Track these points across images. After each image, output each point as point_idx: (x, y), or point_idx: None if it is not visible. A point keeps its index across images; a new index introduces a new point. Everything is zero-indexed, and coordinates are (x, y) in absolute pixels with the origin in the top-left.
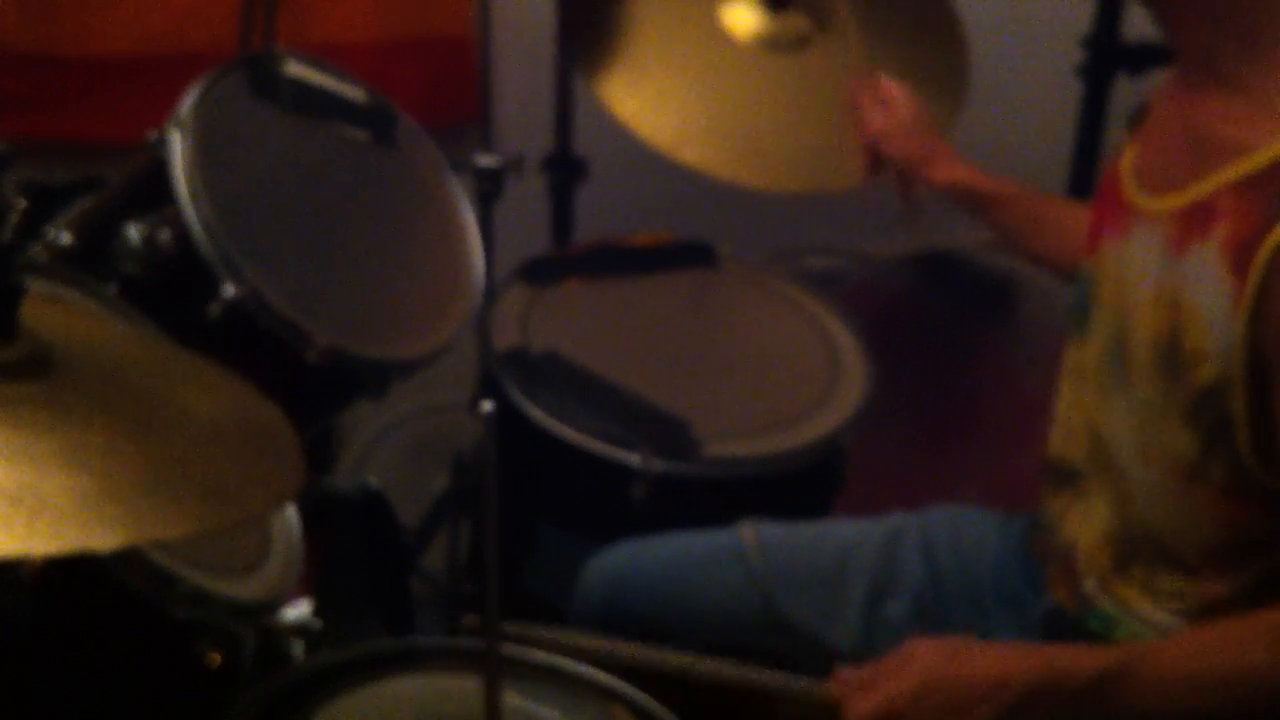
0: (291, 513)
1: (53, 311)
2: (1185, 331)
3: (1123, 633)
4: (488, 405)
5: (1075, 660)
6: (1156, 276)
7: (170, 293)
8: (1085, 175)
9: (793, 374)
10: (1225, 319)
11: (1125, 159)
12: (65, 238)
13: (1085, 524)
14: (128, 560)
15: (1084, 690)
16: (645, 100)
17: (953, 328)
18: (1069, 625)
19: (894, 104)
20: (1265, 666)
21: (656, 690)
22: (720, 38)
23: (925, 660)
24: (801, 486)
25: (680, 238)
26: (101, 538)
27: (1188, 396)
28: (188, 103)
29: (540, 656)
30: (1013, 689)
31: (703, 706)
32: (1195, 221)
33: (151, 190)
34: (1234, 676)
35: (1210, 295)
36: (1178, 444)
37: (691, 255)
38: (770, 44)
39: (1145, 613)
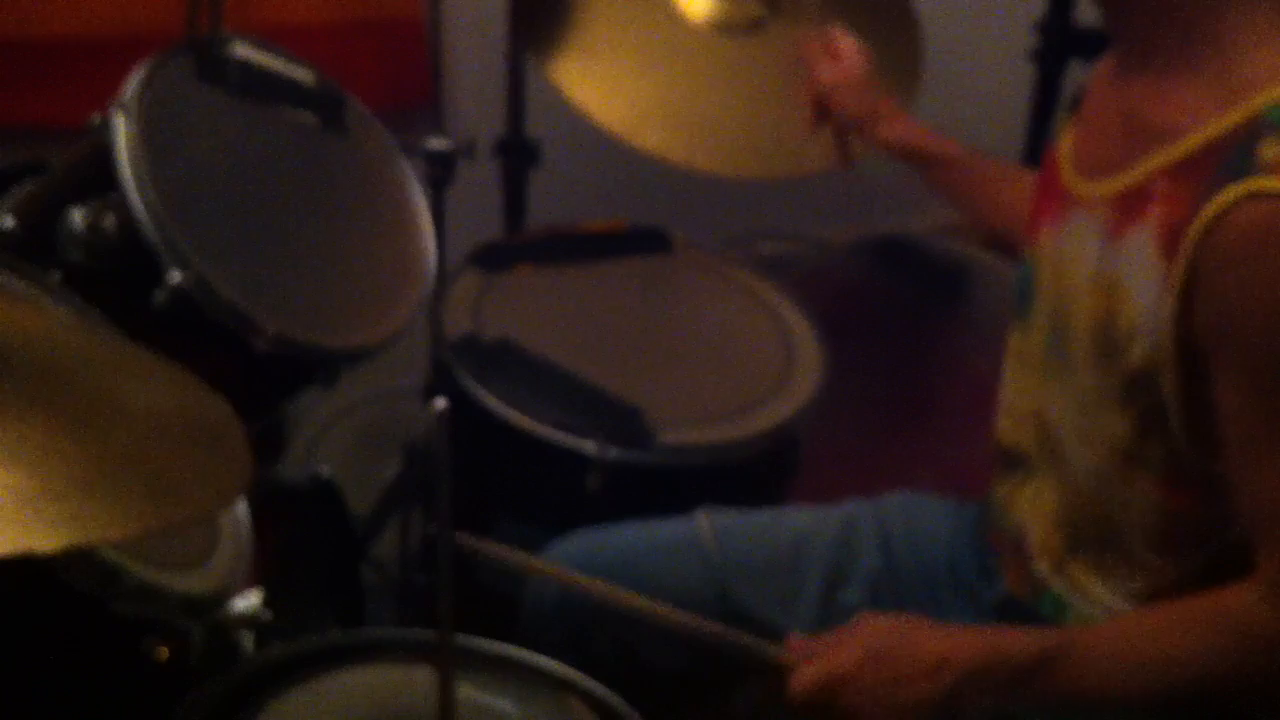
0: (240, 504)
1: None
2: (1119, 315)
3: (1074, 616)
4: (441, 403)
5: (1016, 641)
6: (1094, 261)
7: (115, 280)
8: (1038, 160)
9: (747, 361)
10: (1156, 301)
11: (1063, 144)
12: (7, 222)
13: (1034, 509)
14: (72, 556)
15: (1024, 671)
16: (598, 84)
17: (906, 314)
18: (1022, 610)
19: (843, 57)
20: (1204, 650)
21: (611, 680)
22: (674, 21)
23: (871, 634)
24: (757, 474)
25: (634, 223)
26: (44, 538)
27: (1122, 380)
28: (132, 86)
29: (494, 648)
30: (954, 667)
31: (656, 696)
32: (1131, 206)
33: (95, 175)
34: (1173, 660)
35: (1143, 278)
36: (1115, 428)
37: (645, 241)
38: (724, 27)
39: (1096, 596)
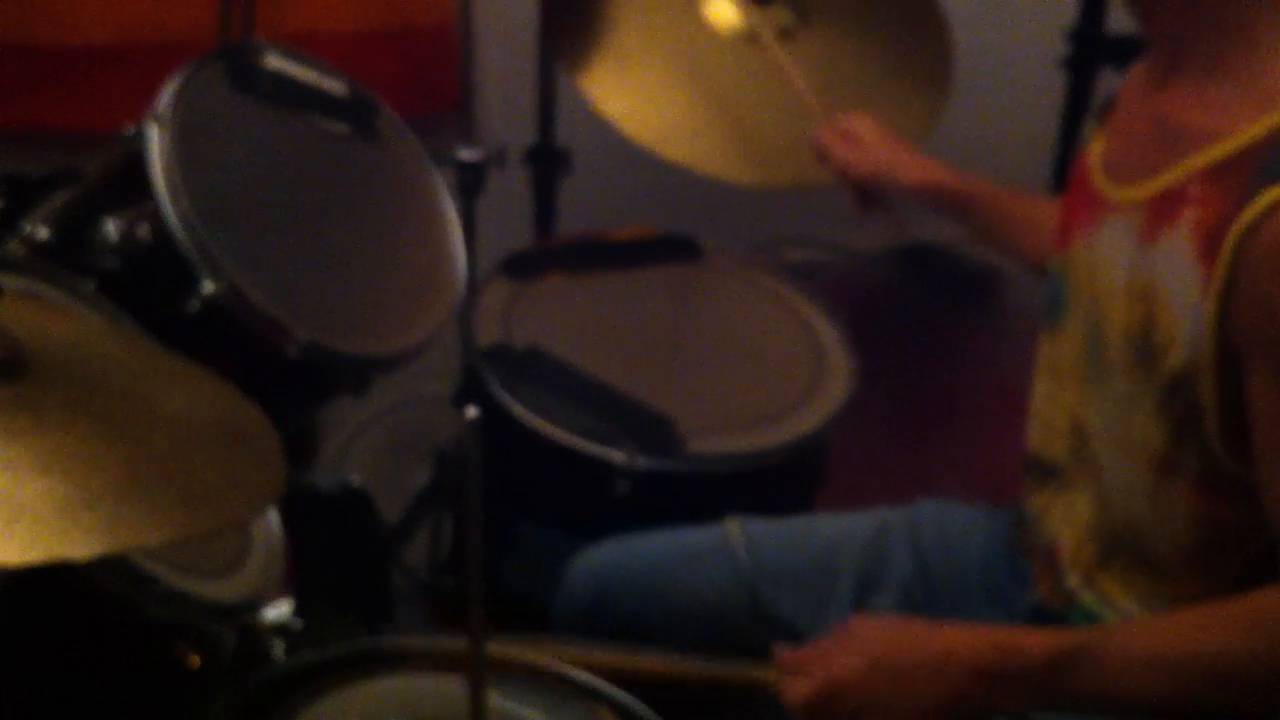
0: (272, 511)
1: (29, 310)
2: (1156, 320)
3: (1112, 622)
4: (472, 411)
5: (1026, 640)
6: (1128, 267)
7: (148, 288)
8: (1069, 168)
9: (777, 369)
10: (1194, 305)
11: (1093, 151)
12: (42, 232)
13: (1067, 520)
14: (105, 562)
15: (1042, 669)
16: (628, 95)
17: (934, 320)
18: (1053, 620)
19: (857, 133)
20: (1237, 651)
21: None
22: (703, 32)
23: (870, 639)
24: (785, 481)
25: (663, 231)
26: (79, 545)
27: (1159, 386)
28: (166, 96)
29: (526, 657)
30: (960, 664)
31: (685, 707)
32: (1165, 209)
33: (129, 184)
34: (1205, 660)
35: (1180, 282)
36: (1151, 435)
37: (675, 249)
38: (753, 38)
39: (1128, 609)
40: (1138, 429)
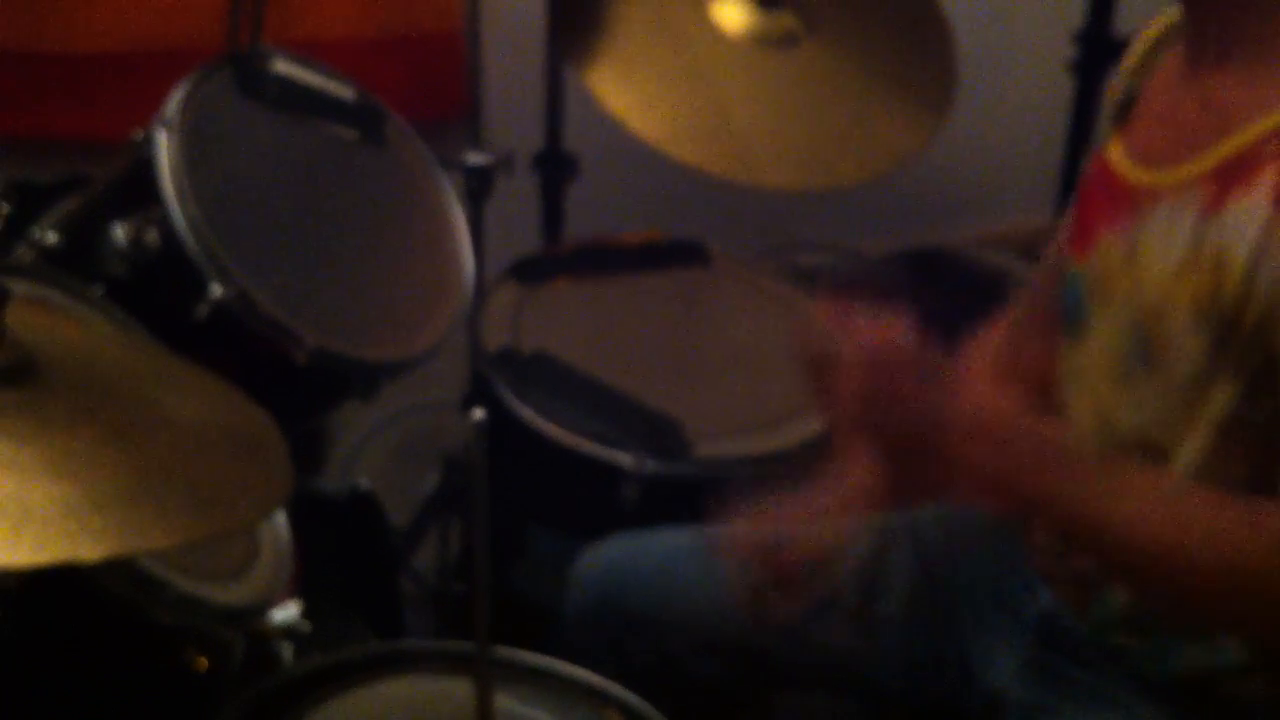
0: (280, 516)
1: (37, 315)
2: (1224, 287)
3: (1116, 637)
4: (478, 413)
5: (1037, 423)
6: (1188, 244)
7: (157, 293)
8: (1077, 171)
9: (784, 373)
10: (1272, 255)
11: (1114, 150)
12: (51, 237)
13: None
14: (113, 566)
15: (1026, 444)
16: (636, 96)
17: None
18: (1062, 628)
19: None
20: (1228, 544)
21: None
22: (711, 34)
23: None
24: (792, 485)
25: (671, 236)
26: (87, 548)
27: (1236, 351)
28: (174, 101)
29: (532, 659)
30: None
31: (694, 707)
32: (1235, 174)
33: (137, 190)
34: (1189, 530)
35: (1255, 238)
36: (1218, 402)
37: (683, 254)
38: (761, 40)
39: (1136, 616)
40: (1205, 402)
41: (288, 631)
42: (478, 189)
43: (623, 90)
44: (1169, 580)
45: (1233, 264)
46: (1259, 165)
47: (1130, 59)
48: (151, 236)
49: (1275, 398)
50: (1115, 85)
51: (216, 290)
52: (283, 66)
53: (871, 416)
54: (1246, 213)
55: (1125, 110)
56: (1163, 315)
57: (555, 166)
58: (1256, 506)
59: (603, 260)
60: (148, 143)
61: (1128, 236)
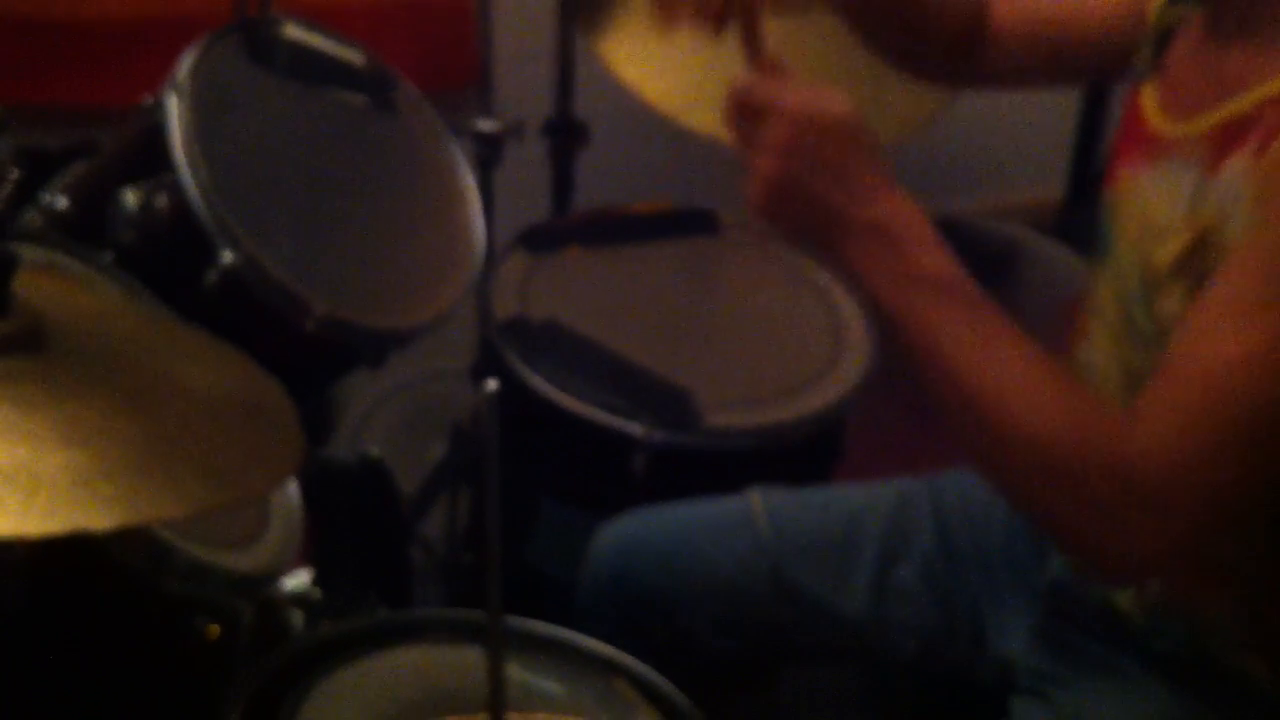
0: (291, 483)
1: (47, 282)
2: (1208, 245)
3: (1124, 601)
4: (492, 384)
5: (941, 249)
6: (1189, 204)
7: (166, 260)
8: (1087, 166)
9: (795, 343)
10: (1241, 209)
11: (1147, 92)
12: (61, 202)
13: None
14: (124, 534)
15: (919, 265)
16: (648, 63)
17: None
18: (1071, 595)
19: None
20: (1048, 423)
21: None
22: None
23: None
24: (803, 456)
25: (682, 205)
26: (98, 517)
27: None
28: (184, 67)
29: (544, 629)
30: (879, 214)
31: (704, 679)
32: (1233, 136)
33: (147, 156)
34: (1013, 397)
35: (1239, 200)
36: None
37: (694, 222)
38: (775, 7)
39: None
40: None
41: (298, 599)
42: (487, 156)
43: (634, 59)
44: (987, 437)
45: (1220, 227)
46: (1252, 129)
47: None
48: (161, 202)
49: None
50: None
51: (226, 256)
52: (293, 32)
53: (789, 171)
54: (1237, 176)
55: (1163, 45)
56: (1159, 266)
57: (565, 134)
58: (1100, 408)
59: (613, 228)
60: (158, 108)
61: (1142, 181)
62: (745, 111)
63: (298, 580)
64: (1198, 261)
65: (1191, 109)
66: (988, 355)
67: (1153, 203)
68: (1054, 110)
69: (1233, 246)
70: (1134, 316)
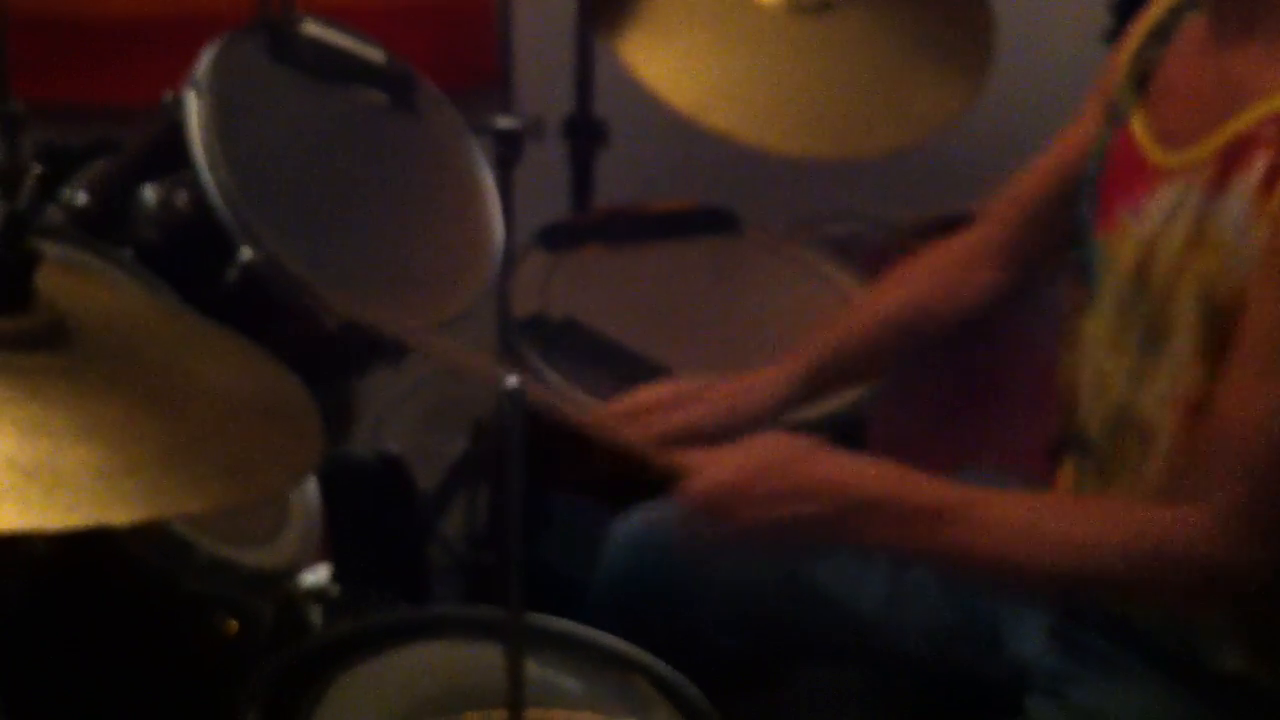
0: (310, 480)
1: (69, 279)
2: (1222, 274)
3: (1134, 608)
4: (514, 381)
5: (920, 484)
6: (1194, 223)
7: (186, 257)
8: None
9: None
10: (1251, 240)
11: (1137, 124)
12: (81, 199)
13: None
14: (144, 530)
15: (922, 514)
16: (667, 63)
17: None
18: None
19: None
20: (1115, 552)
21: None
22: (743, 1)
23: (772, 449)
24: None
25: (702, 204)
26: (118, 512)
27: (1217, 330)
28: (204, 64)
29: (562, 626)
30: (847, 494)
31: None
32: (1238, 154)
33: (168, 153)
34: (1068, 541)
35: (1244, 221)
36: (1190, 383)
37: (713, 221)
38: (794, 6)
39: None
40: (1182, 386)
41: (317, 595)
42: (507, 154)
43: (654, 58)
44: (1086, 589)
45: (1228, 248)
46: (1255, 148)
47: (1145, 23)
48: (181, 199)
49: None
50: (1128, 49)
51: (246, 254)
52: (313, 31)
53: (768, 518)
54: (1241, 195)
55: (1145, 81)
56: (1168, 295)
57: (585, 132)
58: (1146, 512)
59: (632, 227)
60: (178, 105)
61: (1144, 215)
62: (715, 510)
63: (316, 576)
64: (1212, 293)
65: (1190, 134)
66: (1031, 537)
67: (1156, 237)
68: (1070, 112)
69: (1249, 299)
70: (1126, 351)
